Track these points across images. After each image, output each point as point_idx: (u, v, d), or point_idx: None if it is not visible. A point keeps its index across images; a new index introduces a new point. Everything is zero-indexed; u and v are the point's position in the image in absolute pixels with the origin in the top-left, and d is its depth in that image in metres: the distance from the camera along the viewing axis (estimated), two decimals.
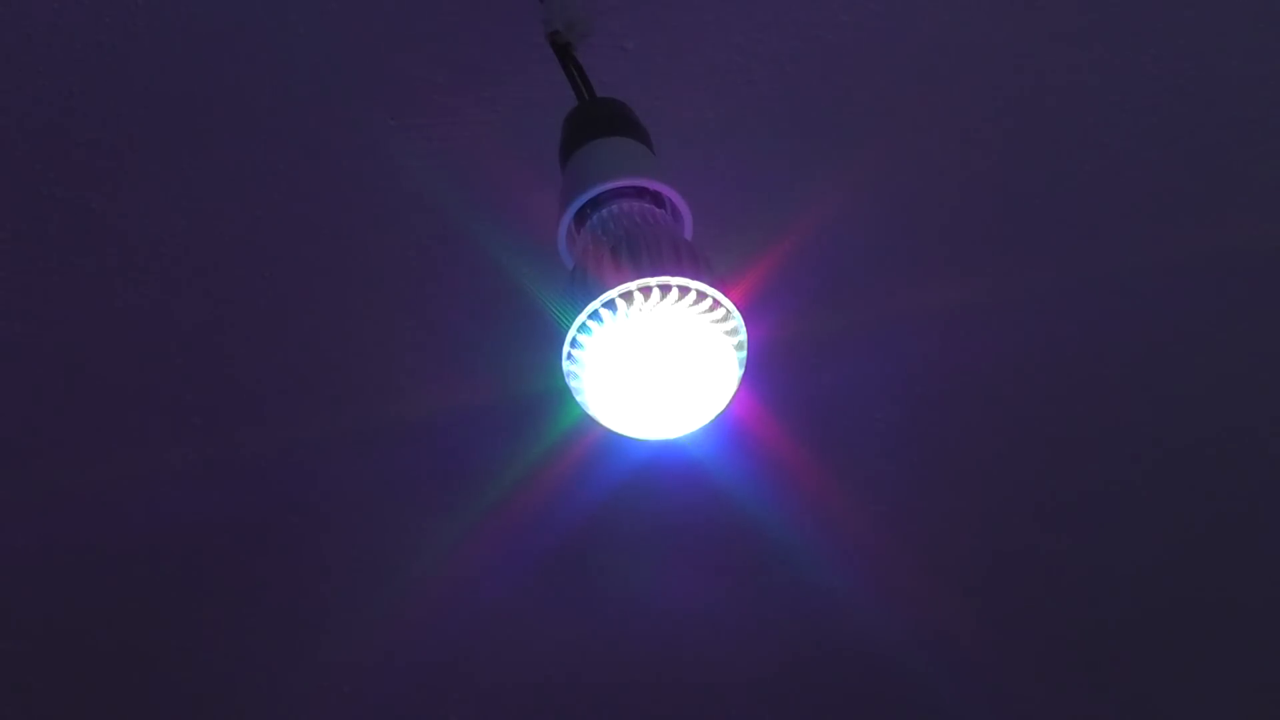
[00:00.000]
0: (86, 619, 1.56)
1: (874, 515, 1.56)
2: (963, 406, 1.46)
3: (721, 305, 0.79)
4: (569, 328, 0.79)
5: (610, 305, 0.78)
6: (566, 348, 0.80)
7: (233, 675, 1.65)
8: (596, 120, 0.91)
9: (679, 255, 0.79)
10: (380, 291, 1.29)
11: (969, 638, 1.73)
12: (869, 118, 1.20)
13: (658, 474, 1.44)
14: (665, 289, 0.78)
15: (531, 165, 1.11)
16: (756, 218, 1.26)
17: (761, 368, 0.88)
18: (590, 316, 0.78)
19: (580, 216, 0.86)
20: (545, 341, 0.85)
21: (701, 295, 0.78)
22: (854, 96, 1.18)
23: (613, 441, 0.95)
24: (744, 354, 0.82)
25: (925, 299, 1.34)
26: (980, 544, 1.62)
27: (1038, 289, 1.35)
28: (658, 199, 0.86)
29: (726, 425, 0.88)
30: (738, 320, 0.80)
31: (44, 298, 1.25)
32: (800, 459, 1.46)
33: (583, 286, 0.79)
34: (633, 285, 0.77)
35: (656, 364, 0.81)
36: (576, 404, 0.84)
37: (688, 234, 0.87)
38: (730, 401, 0.84)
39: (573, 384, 0.82)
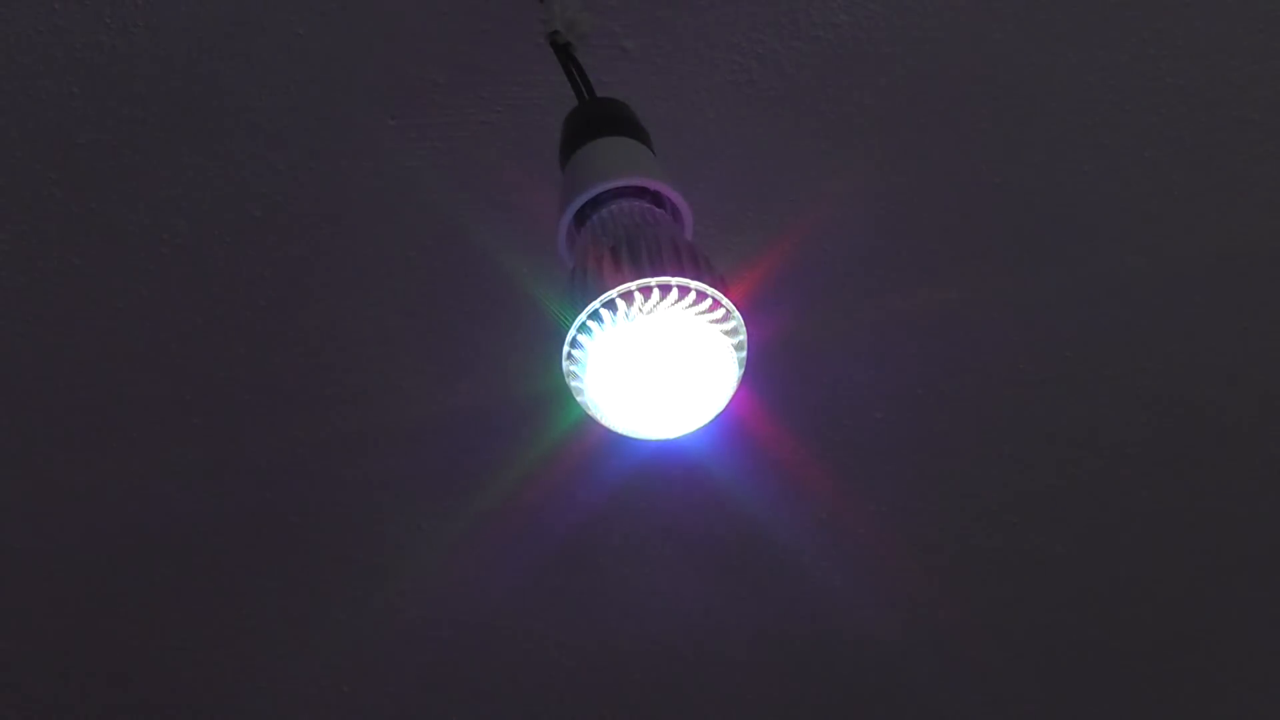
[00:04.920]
0: (85, 619, 1.56)
1: (874, 515, 1.56)
2: (962, 407, 1.46)
3: (721, 305, 0.79)
4: (569, 328, 0.79)
5: (610, 305, 0.78)
6: (566, 348, 0.80)
7: (232, 675, 1.65)
8: (596, 120, 0.91)
9: (679, 255, 0.79)
10: (380, 291, 1.29)
11: (968, 637, 1.73)
12: (869, 118, 1.20)
13: (658, 474, 1.44)
14: (665, 289, 0.78)
15: (531, 165, 1.11)
16: (756, 218, 1.26)
17: (761, 368, 0.88)
18: (590, 316, 0.78)
19: (580, 216, 0.86)
20: (545, 341, 0.85)
21: (701, 295, 0.78)
22: (854, 96, 1.18)
23: (613, 441, 0.95)
24: (744, 354, 0.82)
25: (925, 299, 1.34)
26: (979, 544, 1.62)
27: (1036, 289, 1.35)
28: (658, 199, 0.86)
29: (726, 425, 0.88)
30: (738, 320, 0.80)
31: (44, 298, 1.25)
32: (800, 459, 1.46)
33: (582, 286, 0.79)
34: (633, 285, 0.77)
35: (656, 364, 0.81)
36: (576, 404, 0.84)
37: (688, 234, 0.87)
38: (730, 401, 0.84)
39: (573, 384, 0.82)
